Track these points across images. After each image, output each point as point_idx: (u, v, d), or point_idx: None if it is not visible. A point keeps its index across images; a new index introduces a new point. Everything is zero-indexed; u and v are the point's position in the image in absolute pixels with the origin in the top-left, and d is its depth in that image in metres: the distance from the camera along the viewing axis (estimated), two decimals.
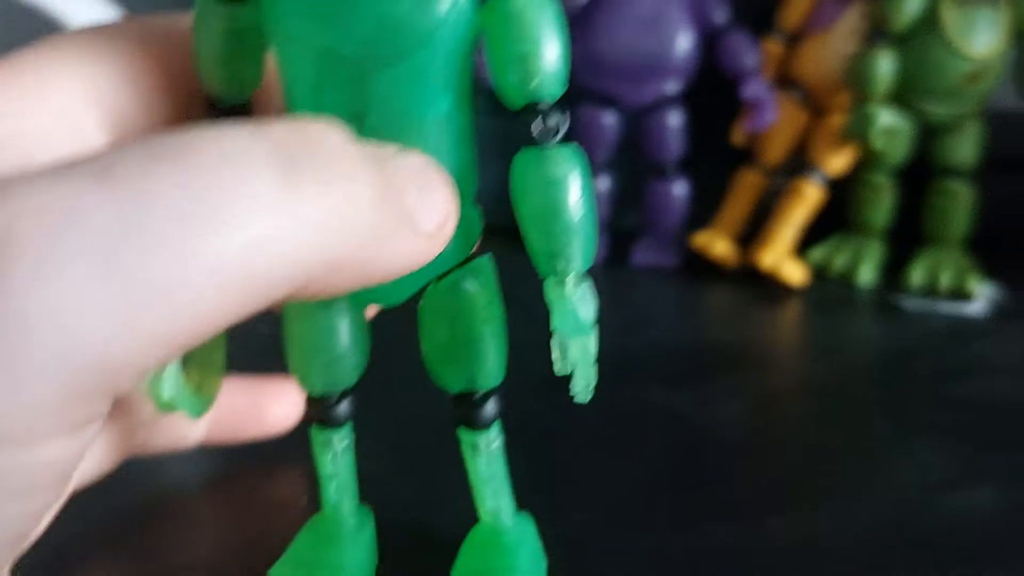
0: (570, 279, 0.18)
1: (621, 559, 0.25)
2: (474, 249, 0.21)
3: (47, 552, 0.23)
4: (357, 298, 0.21)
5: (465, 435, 0.22)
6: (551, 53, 0.18)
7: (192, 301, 0.13)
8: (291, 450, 0.31)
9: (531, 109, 0.18)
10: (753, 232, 0.50)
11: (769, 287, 0.47)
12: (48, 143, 0.19)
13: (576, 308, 0.18)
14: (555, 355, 0.19)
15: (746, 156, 0.51)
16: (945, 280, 0.46)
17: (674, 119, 0.50)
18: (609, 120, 0.49)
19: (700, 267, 0.50)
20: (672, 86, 0.49)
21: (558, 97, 0.18)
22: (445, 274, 0.20)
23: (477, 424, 0.21)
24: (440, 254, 0.19)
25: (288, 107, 0.19)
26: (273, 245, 0.14)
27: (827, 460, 0.31)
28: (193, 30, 0.20)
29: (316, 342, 0.21)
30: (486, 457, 0.22)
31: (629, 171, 0.52)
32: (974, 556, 0.25)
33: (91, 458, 0.25)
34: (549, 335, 0.20)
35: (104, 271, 0.13)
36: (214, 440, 0.28)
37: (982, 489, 0.28)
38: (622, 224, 0.52)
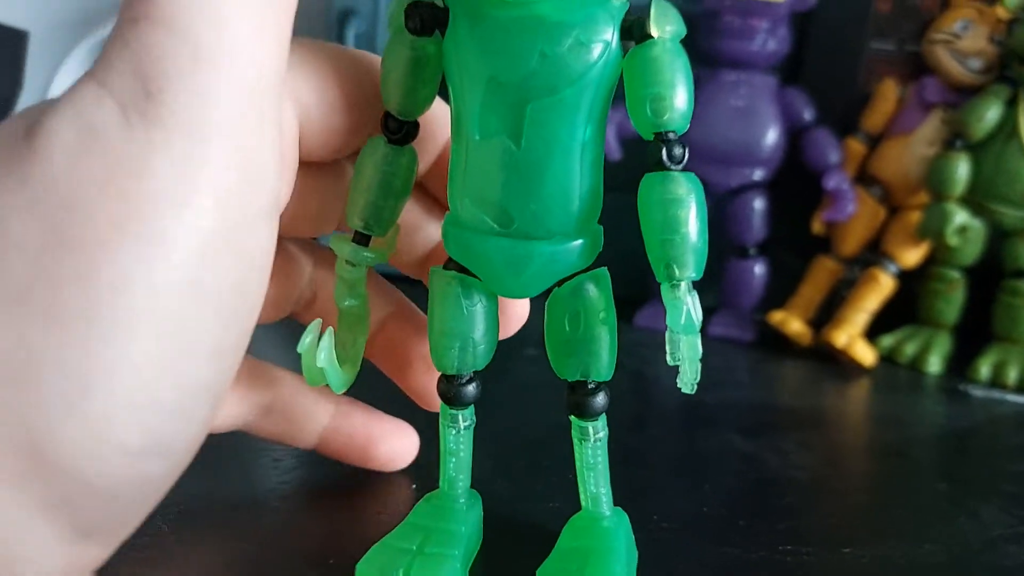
0: (683, 285, 0.22)
1: (704, 564, 0.27)
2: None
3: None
4: (492, 290, 0.24)
5: (576, 423, 0.25)
6: (681, 94, 0.22)
7: None
8: None
9: (661, 138, 0.22)
10: (824, 317, 0.53)
11: (839, 365, 0.50)
12: None
13: (689, 310, 0.22)
14: (668, 349, 0.22)
15: (823, 244, 0.54)
16: (1012, 375, 0.48)
17: (758, 204, 0.53)
18: None
19: (773, 343, 0.52)
20: (758, 173, 0.53)
21: (684, 131, 0.22)
22: (570, 277, 0.24)
23: (587, 413, 0.24)
24: (568, 259, 0.23)
25: (455, 126, 0.23)
26: None
27: (891, 509, 0.33)
28: (384, 54, 0.24)
29: (454, 326, 0.24)
30: (592, 445, 0.25)
31: (712, 250, 0.55)
32: None
33: (223, 415, 0.27)
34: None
35: None
36: (323, 451, 0.30)
37: None
38: (701, 299, 0.56)
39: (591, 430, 0.25)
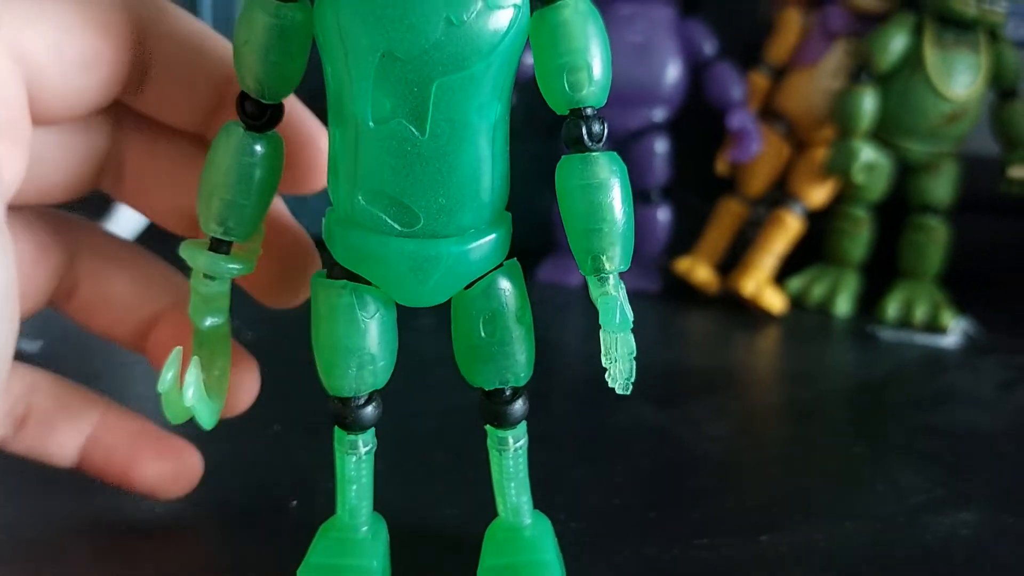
0: (612, 279, 0.19)
1: (617, 569, 0.25)
2: None
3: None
4: (390, 300, 0.21)
5: (493, 433, 0.22)
6: (597, 64, 0.19)
7: None
8: (278, 451, 0.30)
9: (579, 115, 0.19)
10: (731, 260, 0.51)
11: (748, 314, 0.48)
12: None
13: (621, 304, 0.19)
14: (603, 349, 0.20)
15: (728, 185, 0.52)
16: (920, 313, 0.47)
17: (660, 146, 0.51)
18: None
19: (680, 292, 0.50)
20: (659, 113, 0.50)
21: (601, 105, 0.19)
22: (481, 277, 0.21)
23: (506, 421, 0.22)
24: (481, 257, 0.20)
25: (335, 108, 0.20)
26: None
27: (811, 481, 0.31)
28: (237, 23, 0.20)
29: (349, 343, 0.21)
30: (513, 454, 0.22)
31: None
32: None
33: None
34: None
35: None
36: (84, 469, 0.25)
37: (964, 513, 0.29)
38: None
39: (510, 440, 0.22)
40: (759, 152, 0.49)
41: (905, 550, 0.27)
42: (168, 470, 0.25)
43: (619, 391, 0.20)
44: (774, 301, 0.48)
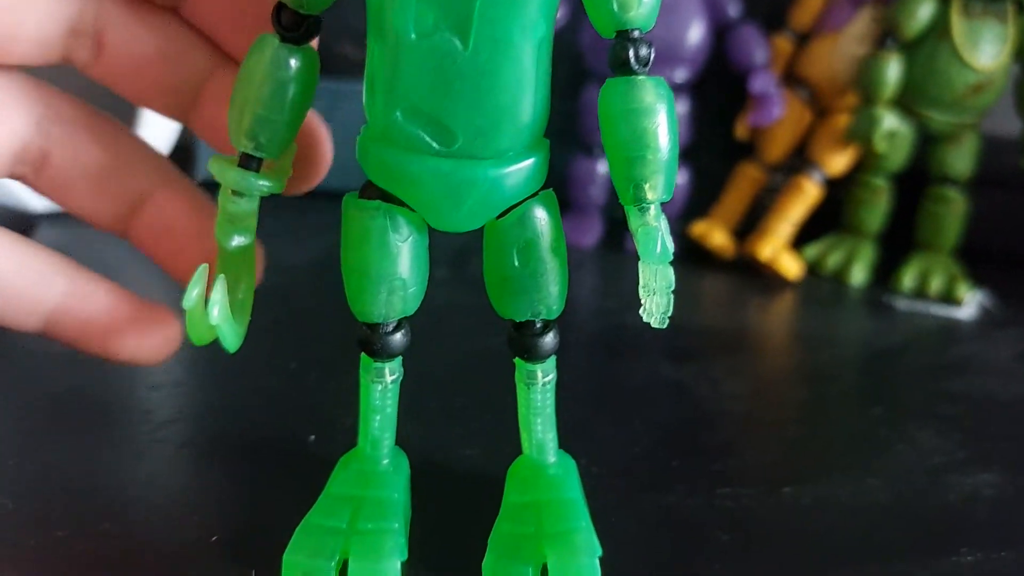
0: (653, 209, 0.19)
1: (641, 516, 0.25)
2: None
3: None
4: (423, 224, 0.21)
5: (522, 366, 0.22)
6: None
7: None
8: (295, 389, 0.30)
9: (626, 37, 0.19)
10: (748, 226, 0.51)
11: (763, 279, 0.48)
12: None
13: (663, 235, 0.19)
14: (641, 281, 0.19)
15: (747, 150, 0.52)
16: (935, 284, 0.47)
17: (681, 108, 0.50)
18: None
19: (695, 256, 0.50)
20: (681, 74, 0.50)
21: (649, 29, 0.19)
22: (515, 205, 0.20)
23: (536, 355, 0.21)
24: (518, 183, 0.20)
25: (377, 21, 0.19)
26: None
27: (829, 439, 0.31)
28: None
29: (381, 267, 0.20)
30: (541, 389, 0.22)
31: None
32: (982, 535, 0.25)
33: None
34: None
35: None
36: (50, 336, 0.23)
37: (986, 474, 0.28)
38: (619, 210, 0.52)
39: (539, 373, 0.22)
40: (780, 117, 0.49)
41: (928, 508, 0.26)
42: (149, 340, 0.24)
43: (655, 325, 0.19)
44: (790, 266, 0.47)
